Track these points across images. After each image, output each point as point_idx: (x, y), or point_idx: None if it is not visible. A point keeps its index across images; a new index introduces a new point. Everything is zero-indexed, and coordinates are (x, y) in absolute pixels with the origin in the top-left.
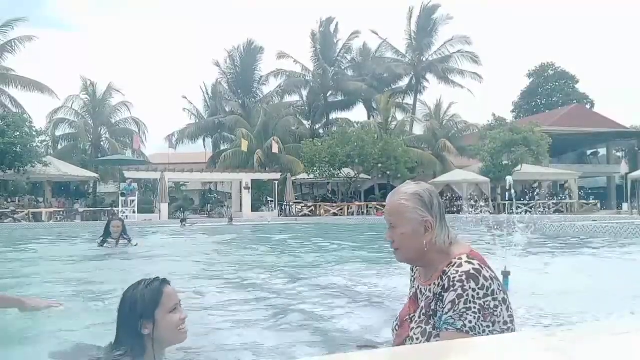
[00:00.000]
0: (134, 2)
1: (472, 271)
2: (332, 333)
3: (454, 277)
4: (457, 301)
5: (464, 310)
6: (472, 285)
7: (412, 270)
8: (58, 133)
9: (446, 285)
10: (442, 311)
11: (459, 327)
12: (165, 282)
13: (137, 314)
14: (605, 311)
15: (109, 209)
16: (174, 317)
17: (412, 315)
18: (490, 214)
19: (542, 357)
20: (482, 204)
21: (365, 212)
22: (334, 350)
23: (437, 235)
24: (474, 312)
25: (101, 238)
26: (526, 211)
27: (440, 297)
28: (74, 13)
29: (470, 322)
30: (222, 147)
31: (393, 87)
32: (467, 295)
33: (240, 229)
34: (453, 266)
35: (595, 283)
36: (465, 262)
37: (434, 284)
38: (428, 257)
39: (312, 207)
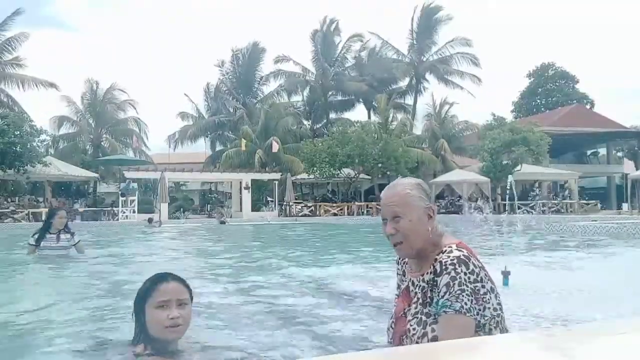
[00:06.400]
0: (134, 3)
1: (462, 257)
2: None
3: (445, 262)
4: (451, 284)
5: (459, 292)
6: (463, 269)
7: (397, 263)
8: (58, 132)
9: (438, 270)
10: (438, 295)
11: (457, 308)
12: (164, 278)
13: (138, 305)
14: (605, 311)
15: (109, 208)
16: (161, 314)
17: (406, 309)
18: (492, 213)
19: (542, 357)
20: (486, 207)
21: (365, 212)
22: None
23: (437, 222)
24: (468, 295)
25: (36, 235)
26: (528, 212)
27: (434, 282)
28: (74, 13)
29: (466, 303)
30: (223, 147)
31: (393, 87)
32: (460, 278)
33: (226, 229)
34: (444, 253)
35: (595, 283)
36: (456, 249)
37: (427, 272)
38: (424, 247)
39: (312, 207)
